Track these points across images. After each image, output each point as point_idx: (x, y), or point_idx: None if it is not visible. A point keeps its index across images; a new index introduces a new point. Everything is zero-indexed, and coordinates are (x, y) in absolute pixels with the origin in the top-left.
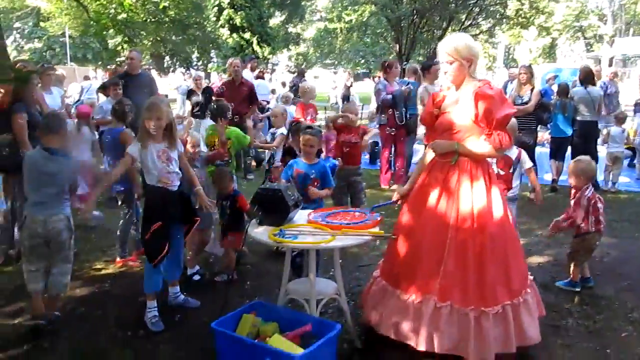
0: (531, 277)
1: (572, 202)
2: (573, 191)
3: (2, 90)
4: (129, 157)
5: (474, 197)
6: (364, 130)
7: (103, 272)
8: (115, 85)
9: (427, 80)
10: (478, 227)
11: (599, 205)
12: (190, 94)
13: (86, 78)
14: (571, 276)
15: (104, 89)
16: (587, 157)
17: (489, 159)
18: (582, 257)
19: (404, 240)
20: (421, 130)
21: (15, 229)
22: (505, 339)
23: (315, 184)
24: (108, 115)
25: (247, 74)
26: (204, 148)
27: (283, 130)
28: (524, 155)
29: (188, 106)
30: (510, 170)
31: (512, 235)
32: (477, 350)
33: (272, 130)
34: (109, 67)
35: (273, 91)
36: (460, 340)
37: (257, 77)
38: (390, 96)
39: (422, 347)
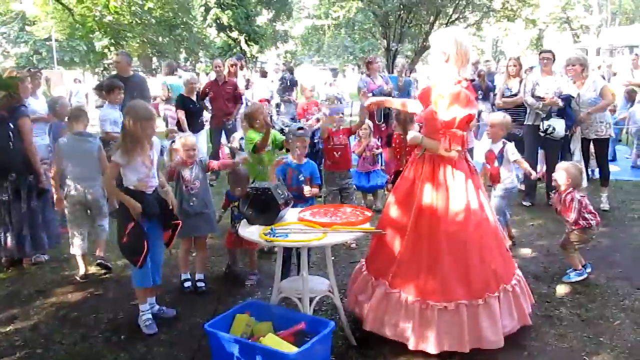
0: (515, 282)
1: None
2: (562, 189)
3: None
4: (114, 165)
5: (436, 191)
6: (349, 131)
7: (95, 276)
8: (118, 88)
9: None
10: (435, 223)
11: (587, 201)
12: (183, 101)
13: (76, 81)
14: (576, 266)
15: (101, 89)
16: (581, 167)
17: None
18: (575, 246)
19: (380, 228)
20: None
21: (8, 236)
22: (457, 337)
23: (307, 183)
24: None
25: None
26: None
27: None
28: (509, 148)
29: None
30: (495, 165)
31: (482, 232)
32: (417, 339)
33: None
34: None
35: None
36: (404, 328)
37: (262, 76)
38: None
39: (367, 328)
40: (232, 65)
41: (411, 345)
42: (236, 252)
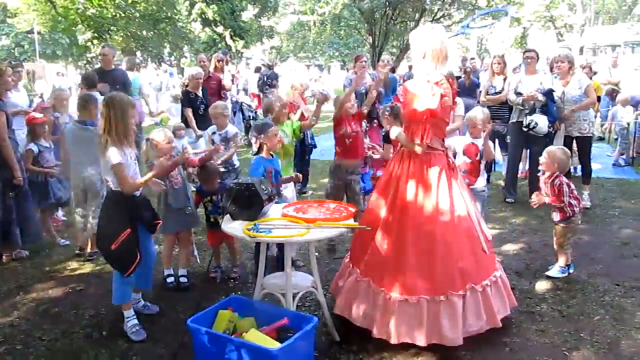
0: (487, 283)
1: (544, 186)
2: (547, 174)
3: None
4: (119, 166)
5: (407, 186)
6: (361, 116)
7: (76, 272)
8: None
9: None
10: (404, 217)
11: (573, 186)
12: (188, 97)
13: (59, 74)
14: (562, 262)
15: (85, 83)
16: (569, 152)
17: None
18: (570, 239)
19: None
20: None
21: None
22: (415, 328)
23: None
24: None
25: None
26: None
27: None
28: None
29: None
30: (477, 158)
31: (452, 230)
32: (380, 328)
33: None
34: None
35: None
36: (368, 314)
37: (256, 71)
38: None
39: (336, 311)
40: (218, 61)
41: (375, 333)
42: (219, 249)
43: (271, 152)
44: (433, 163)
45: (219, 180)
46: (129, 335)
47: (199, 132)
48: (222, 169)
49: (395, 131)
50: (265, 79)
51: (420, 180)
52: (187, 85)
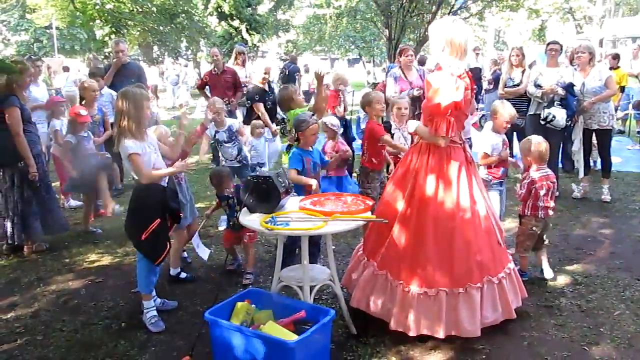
0: (502, 275)
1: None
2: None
3: None
4: (136, 156)
5: (426, 179)
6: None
7: (95, 264)
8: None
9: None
10: (423, 209)
11: (541, 191)
12: (259, 93)
13: (65, 69)
14: (520, 264)
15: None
16: (538, 138)
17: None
18: (524, 242)
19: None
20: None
21: (7, 224)
22: (433, 320)
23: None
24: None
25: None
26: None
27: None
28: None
29: (181, 97)
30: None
31: (471, 223)
32: (398, 319)
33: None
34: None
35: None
36: (386, 307)
37: (293, 62)
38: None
39: (353, 304)
40: (239, 54)
41: (392, 326)
42: (235, 249)
43: None
44: (453, 157)
45: (232, 183)
46: (148, 327)
47: (274, 127)
48: (236, 164)
49: (414, 125)
50: (287, 72)
51: (440, 174)
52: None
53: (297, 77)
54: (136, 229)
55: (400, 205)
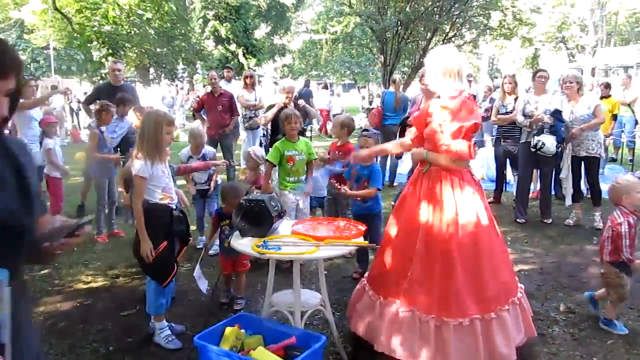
0: (520, 295)
1: None
2: None
3: None
4: (139, 180)
5: (444, 205)
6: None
7: (85, 286)
8: (106, 111)
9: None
10: (445, 235)
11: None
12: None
13: (53, 87)
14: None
15: (88, 104)
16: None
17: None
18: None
19: (383, 248)
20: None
21: None
22: (472, 353)
23: (365, 184)
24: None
25: (227, 86)
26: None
27: None
28: None
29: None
30: None
31: (491, 245)
32: (433, 358)
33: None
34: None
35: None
36: (421, 348)
37: (324, 87)
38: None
39: (379, 349)
40: (248, 77)
41: None
42: (231, 276)
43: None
44: (466, 180)
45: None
46: (164, 346)
47: None
48: (205, 187)
49: (421, 152)
50: (298, 95)
51: (456, 200)
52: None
53: (310, 101)
54: (140, 249)
55: (415, 237)
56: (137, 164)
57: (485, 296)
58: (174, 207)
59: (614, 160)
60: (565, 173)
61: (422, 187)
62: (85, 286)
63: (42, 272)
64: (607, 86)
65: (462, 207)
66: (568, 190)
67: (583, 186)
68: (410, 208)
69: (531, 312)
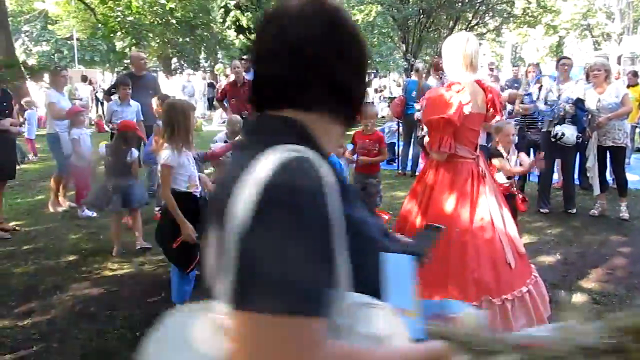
0: (510, 297)
1: None
2: None
3: None
4: (167, 169)
5: (435, 194)
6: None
7: (112, 273)
8: (125, 85)
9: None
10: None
11: None
12: None
13: (84, 79)
14: None
15: (109, 94)
16: None
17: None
18: None
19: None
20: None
21: None
22: None
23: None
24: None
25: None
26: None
27: None
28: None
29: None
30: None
31: (471, 242)
32: None
33: None
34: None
35: None
36: None
37: None
38: None
39: None
40: None
41: None
42: None
43: None
44: (459, 172)
45: None
46: None
47: None
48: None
49: (426, 140)
50: None
51: (446, 189)
52: None
53: None
54: (167, 238)
55: (417, 221)
56: (164, 154)
57: (448, 288)
58: (199, 195)
59: (638, 150)
60: (592, 162)
61: (430, 173)
62: (111, 273)
63: (69, 259)
64: (635, 74)
65: (446, 199)
66: (595, 179)
67: (608, 176)
68: (416, 191)
69: (542, 317)
